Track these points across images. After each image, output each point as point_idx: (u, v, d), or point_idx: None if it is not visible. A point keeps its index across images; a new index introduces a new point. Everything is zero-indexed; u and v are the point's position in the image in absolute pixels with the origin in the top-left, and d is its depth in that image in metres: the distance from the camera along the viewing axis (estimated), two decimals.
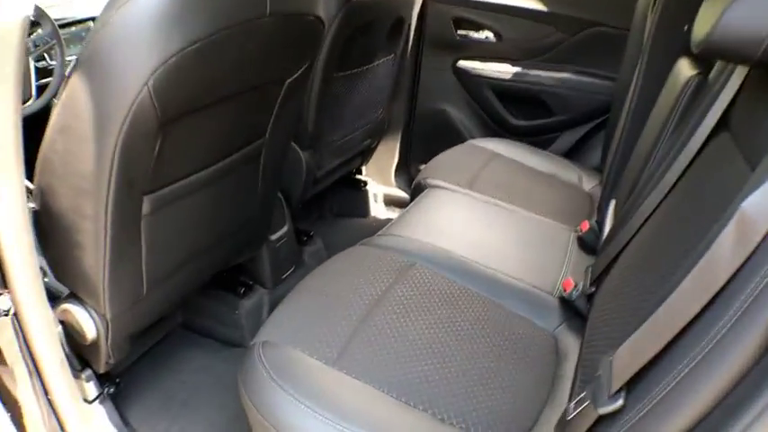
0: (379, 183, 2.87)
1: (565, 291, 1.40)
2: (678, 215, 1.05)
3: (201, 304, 1.89)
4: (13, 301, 1.06)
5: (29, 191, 1.13)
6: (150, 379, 1.71)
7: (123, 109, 1.02)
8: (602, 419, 0.78)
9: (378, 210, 2.83)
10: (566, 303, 1.40)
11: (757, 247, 0.63)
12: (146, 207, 1.22)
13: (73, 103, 1.04)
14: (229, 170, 1.43)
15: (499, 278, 1.48)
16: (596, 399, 0.79)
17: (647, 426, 0.68)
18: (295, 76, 1.47)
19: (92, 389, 1.43)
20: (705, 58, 1.26)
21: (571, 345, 1.31)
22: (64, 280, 1.27)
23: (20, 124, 0.95)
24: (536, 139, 2.53)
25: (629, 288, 1.04)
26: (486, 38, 2.55)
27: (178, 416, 1.63)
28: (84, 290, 1.25)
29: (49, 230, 1.18)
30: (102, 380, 1.46)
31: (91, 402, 1.43)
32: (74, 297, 1.28)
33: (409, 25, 2.42)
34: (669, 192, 1.16)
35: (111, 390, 1.50)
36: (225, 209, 1.53)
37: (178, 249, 1.41)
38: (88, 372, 1.41)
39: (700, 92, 1.28)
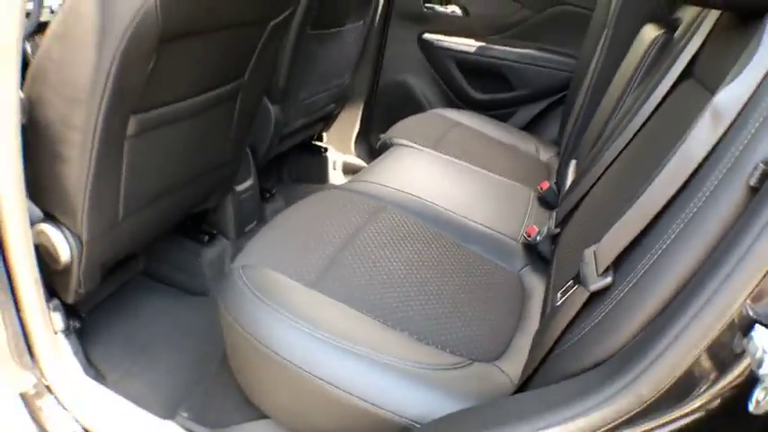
0: (339, 150, 2.90)
1: (529, 236, 1.47)
2: (646, 149, 1.12)
3: (164, 251, 1.89)
4: None
5: None
6: (110, 322, 1.71)
7: (129, 16, 1.03)
8: (591, 300, 0.85)
9: (336, 177, 2.86)
10: (529, 248, 1.47)
11: (727, 130, 0.75)
12: (131, 127, 1.22)
13: (77, 8, 1.05)
14: (209, 105, 1.45)
15: (466, 224, 1.54)
16: (585, 281, 0.86)
17: (636, 297, 0.75)
18: (278, 20, 1.51)
19: (58, 320, 1.41)
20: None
21: (535, 285, 1.38)
22: (42, 198, 1.26)
23: (21, 38, 0.95)
24: (496, 112, 2.61)
25: (601, 204, 1.12)
26: (453, 12, 2.61)
27: (139, 358, 1.63)
28: (62, 209, 1.25)
29: (34, 144, 1.17)
30: (68, 313, 1.46)
31: (56, 333, 1.43)
32: (49, 219, 1.28)
33: None
34: (633, 137, 1.24)
35: (77, 324, 1.50)
36: (200, 147, 1.54)
37: (155, 179, 1.42)
38: (55, 302, 1.40)
39: (665, 48, 1.36)
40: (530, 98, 2.61)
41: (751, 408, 0.64)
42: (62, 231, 1.27)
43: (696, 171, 0.76)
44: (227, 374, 1.25)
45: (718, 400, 0.68)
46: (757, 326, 0.62)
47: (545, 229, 1.44)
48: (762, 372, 0.60)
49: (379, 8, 2.58)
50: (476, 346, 1.12)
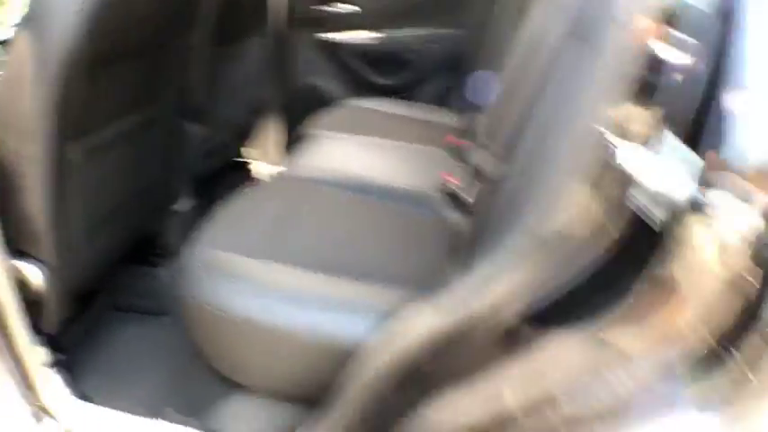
0: (264, 162, 3.01)
1: (447, 184, 1.63)
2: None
3: (125, 283, 1.99)
4: None
5: None
6: (91, 357, 1.79)
7: (61, 44, 1.16)
8: (496, 188, 1.00)
9: None
10: (450, 196, 1.63)
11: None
12: (74, 153, 1.34)
13: (18, 52, 1.17)
14: (136, 128, 1.57)
15: (389, 186, 1.70)
16: (488, 176, 1.01)
17: (529, 169, 0.90)
18: (179, 41, 1.64)
19: (44, 354, 1.48)
20: None
21: (462, 223, 1.53)
22: (9, 233, 1.33)
23: None
24: (404, 94, 2.77)
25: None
26: (346, 9, 2.77)
27: (122, 382, 1.72)
28: (27, 239, 1.34)
29: None
30: (52, 349, 1.53)
31: (45, 366, 1.50)
32: (17, 254, 1.36)
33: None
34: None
35: (63, 357, 1.56)
36: (135, 169, 1.66)
37: (102, 201, 1.54)
38: (40, 337, 1.48)
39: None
40: (433, 74, 2.78)
41: (656, 227, 0.69)
42: (32, 262, 1.36)
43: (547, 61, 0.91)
44: (200, 367, 1.37)
45: (629, 228, 0.74)
46: (617, 145, 0.71)
47: (463, 176, 1.60)
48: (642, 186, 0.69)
49: (277, 19, 2.72)
50: (413, 279, 1.27)
